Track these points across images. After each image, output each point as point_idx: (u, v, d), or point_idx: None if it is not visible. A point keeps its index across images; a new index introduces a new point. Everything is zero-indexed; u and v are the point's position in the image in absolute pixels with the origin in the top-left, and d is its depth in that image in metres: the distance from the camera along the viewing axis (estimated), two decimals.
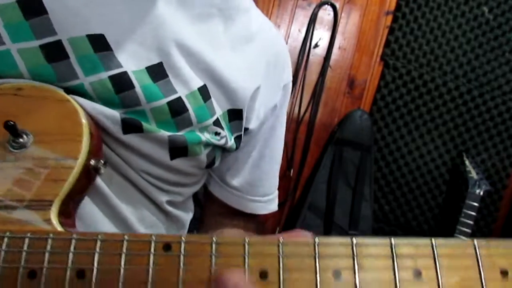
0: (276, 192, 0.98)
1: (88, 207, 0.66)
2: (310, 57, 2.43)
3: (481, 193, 2.29)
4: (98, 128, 0.62)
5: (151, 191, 0.74)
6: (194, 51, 0.71)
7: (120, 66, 0.65)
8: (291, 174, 2.48)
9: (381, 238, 0.45)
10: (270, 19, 2.17)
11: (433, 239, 0.45)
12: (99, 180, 0.66)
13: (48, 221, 0.51)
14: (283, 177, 2.45)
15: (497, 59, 2.51)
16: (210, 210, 0.98)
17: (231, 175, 0.90)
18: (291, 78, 0.94)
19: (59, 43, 0.62)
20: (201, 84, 0.73)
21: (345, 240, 0.45)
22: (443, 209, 2.57)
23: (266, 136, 0.91)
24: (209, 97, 0.74)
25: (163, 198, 0.77)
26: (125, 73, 0.65)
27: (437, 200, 2.57)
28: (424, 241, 0.45)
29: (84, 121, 0.56)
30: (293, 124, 2.44)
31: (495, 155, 2.57)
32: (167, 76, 0.69)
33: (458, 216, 2.27)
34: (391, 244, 0.45)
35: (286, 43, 2.39)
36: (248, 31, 0.82)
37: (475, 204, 2.27)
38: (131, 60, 0.66)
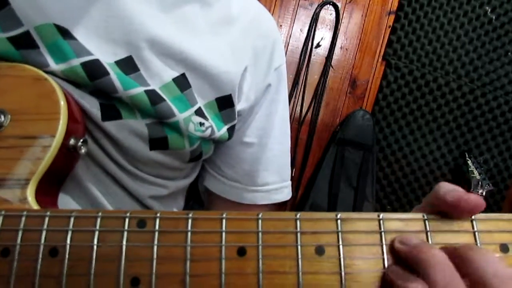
0: (286, 183, 0.95)
1: (66, 198, 0.65)
2: (312, 57, 2.41)
3: (484, 193, 2.27)
4: (78, 106, 0.61)
5: (128, 183, 0.72)
6: (167, 42, 0.69)
7: (90, 53, 0.63)
8: (293, 174, 2.46)
9: (369, 213, 0.43)
10: None
11: (425, 214, 0.43)
12: (77, 170, 0.64)
13: (24, 199, 0.50)
14: None
15: (499, 59, 2.49)
16: (210, 208, 0.96)
17: (228, 165, 0.88)
18: (283, 60, 0.91)
19: (27, 34, 0.60)
20: (177, 74, 0.71)
21: (329, 215, 0.43)
22: None
23: (264, 125, 0.88)
24: (189, 86, 0.72)
25: (144, 191, 0.75)
26: (97, 60, 0.63)
27: None
28: (415, 216, 0.43)
29: (61, 99, 0.55)
30: (295, 124, 2.43)
31: (497, 155, 2.55)
32: (138, 69, 0.67)
33: None
34: (379, 219, 0.43)
35: (288, 43, 2.38)
36: (228, 13, 0.80)
37: None
38: (99, 54, 0.64)
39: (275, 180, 0.92)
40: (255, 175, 0.89)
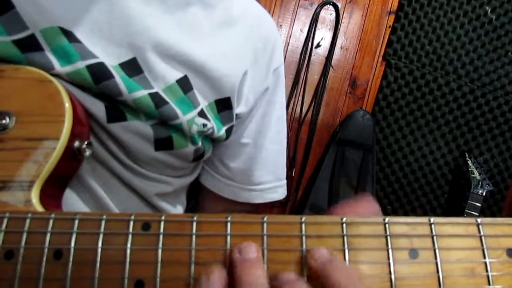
0: (280, 182, 0.96)
1: (72, 199, 0.65)
2: (312, 57, 2.41)
3: (484, 193, 2.27)
4: (83, 108, 0.61)
5: (134, 182, 0.72)
6: (170, 44, 0.69)
7: (95, 56, 0.63)
8: (293, 174, 2.46)
9: (374, 217, 0.43)
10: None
11: (431, 218, 0.43)
12: (82, 171, 0.65)
13: (28, 201, 0.50)
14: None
15: (499, 59, 2.49)
16: (206, 207, 0.96)
17: (224, 164, 0.89)
18: (282, 61, 0.91)
19: (32, 37, 0.60)
20: (180, 76, 0.71)
21: (335, 218, 0.43)
22: (446, 209, 2.55)
23: (259, 125, 0.89)
24: (191, 88, 0.72)
25: (150, 189, 0.75)
26: (102, 63, 0.63)
27: (439, 201, 2.55)
28: (421, 220, 0.43)
29: (66, 101, 0.55)
30: (295, 124, 2.42)
31: (497, 155, 2.55)
32: (142, 71, 0.68)
33: (460, 216, 2.25)
34: (384, 222, 0.43)
35: (288, 43, 2.38)
36: (230, 15, 0.80)
37: (478, 204, 2.25)
38: (104, 56, 0.64)
39: (270, 179, 0.93)
40: (250, 174, 0.90)
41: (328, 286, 0.39)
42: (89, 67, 0.61)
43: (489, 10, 2.45)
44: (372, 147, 2.42)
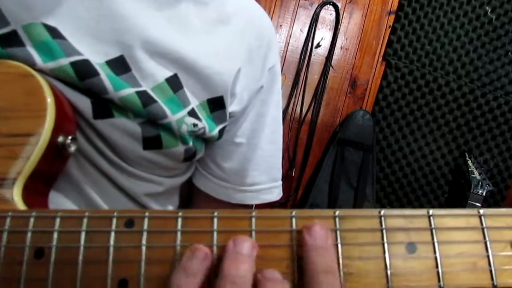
0: (276, 183, 0.94)
1: (60, 197, 0.63)
2: (312, 57, 2.41)
3: (484, 193, 2.27)
4: (68, 103, 0.59)
5: (123, 181, 0.71)
6: (160, 42, 0.67)
7: (80, 53, 0.61)
8: (293, 174, 2.46)
9: (369, 210, 0.41)
10: (272, 19, 2.18)
11: (430, 210, 0.41)
12: (70, 169, 0.63)
13: (10, 200, 0.48)
14: (285, 177, 2.42)
15: (499, 59, 2.49)
16: (199, 207, 0.94)
17: (218, 165, 0.87)
18: (277, 60, 0.89)
19: (14, 33, 0.59)
20: (170, 74, 0.69)
21: (327, 212, 0.41)
22: None
23: (254, 125, 0.87)
24: (181, 87, 0.70)
25: (139, 189, 0.74)
26: (87, 60, 0.61)
27: (439, 201, 2.55)
28: (419, 212, 0.41)
29: (48, 96, 0.53)
30: (295, 124, 2.42)
31: (497, 155, 2.55)
32: (130, 69, 0.66)
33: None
34: (380, 215, 0.41)
35: (288, 43, 2.37)
36: (223, 13, 0.78)
37: (478, 204, 2.25)
38: (89, 54, 0.63)
39: (265, 180, 0.91)
40: (244, 174, 0.88)
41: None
42: (73, 64, 0.60)
43: (489, 10, 2.44)
44: (372, 147, 2.42)
